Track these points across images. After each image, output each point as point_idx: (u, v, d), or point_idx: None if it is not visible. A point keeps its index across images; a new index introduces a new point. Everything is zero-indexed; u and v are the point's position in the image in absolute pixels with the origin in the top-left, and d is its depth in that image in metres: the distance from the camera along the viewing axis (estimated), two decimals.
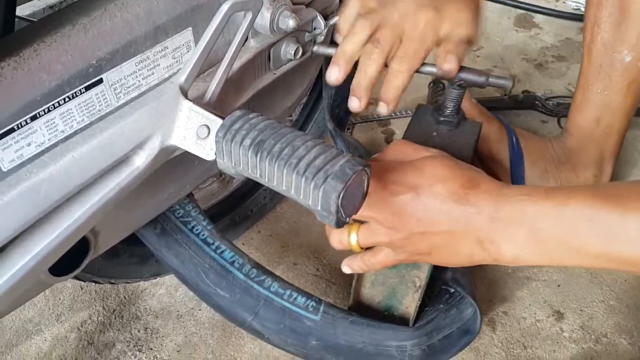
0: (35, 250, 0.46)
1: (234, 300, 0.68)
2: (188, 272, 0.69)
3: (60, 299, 0.87)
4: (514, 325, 0.88)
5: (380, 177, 0.54)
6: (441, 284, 0.79)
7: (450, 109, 0.69)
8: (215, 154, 0.48)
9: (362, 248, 0.60)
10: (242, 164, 0.47)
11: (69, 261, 0.56)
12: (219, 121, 0.48)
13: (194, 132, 0.49)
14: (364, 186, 0.46)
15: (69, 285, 0.89)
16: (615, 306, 0.90)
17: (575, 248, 0.48)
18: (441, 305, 0.76)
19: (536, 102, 1.24)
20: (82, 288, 0.89)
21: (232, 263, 0.69)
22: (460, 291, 0.76)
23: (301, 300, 0.70)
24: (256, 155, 0.45)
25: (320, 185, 0.43)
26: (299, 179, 0.44)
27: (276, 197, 0.98)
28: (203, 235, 0.70)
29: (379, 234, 0.56)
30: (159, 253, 0.70)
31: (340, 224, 0.45)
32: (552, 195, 0.50)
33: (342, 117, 0.95)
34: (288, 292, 0.70)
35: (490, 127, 0.98)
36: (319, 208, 0.44)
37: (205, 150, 0.49)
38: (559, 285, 0.94)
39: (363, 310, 0.76)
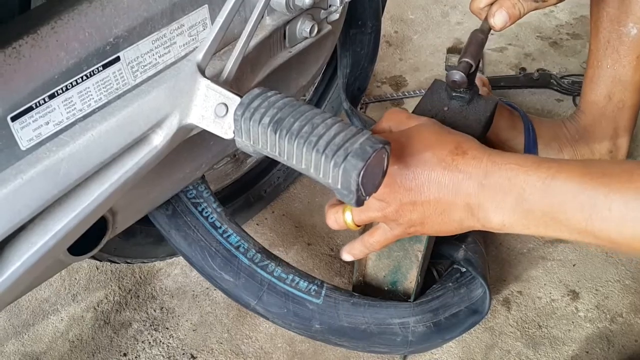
0: (55, 229, 0.46)
1: (238, 284, 0.70)
2: (195, 255, 0.69)
3: (76, 279, 0.88)
4: (529, 305, 0.88)
5: None
6: (452, 263, 0.79)
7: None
8: (234, 133, 0.48)
9: (358, 226, 0.60)
10: (261, 142, 0.46)
11: (87, 241, 0.56)
12: (237, 99, 0.47)
13: (212, 110, 0.49)
14: (384, 164, 0.45)
15: (84, 265, 0.89)
16: (630, 285, 0.90)
17: (560, 221, 0.49)
18: (450, 284, 0.76)
19: (551, 81, 1.22)
20: (97, 268, 0.89)
21: (237, 247, 0.70)
22: (471, 271, 0.76)
23: (303, 284, 0.72)
24: (275, 133, 0.45)
25: (341, 163, 0.43)
26: (319, 157, 0.43)
27: (290, 178, 0.98)
28: (212, 218, 0.70)
29: (372, 209, 0.56)
30: (167, 234, 0.70)
31: (360, 202, 0.44)
32: (543, 166, 0.50)
33: (355, 95, 0.95)
34: (291, 277, 0.71)
35: (500, 115, 0.97)
36: (339, 187, 0.44)
37: (224, 128, 0.48)
38: (574, 265, 0.93)
39: (367, 286, 0.76)
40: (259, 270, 0.70)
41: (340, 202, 0.60)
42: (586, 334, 0.85)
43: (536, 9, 0.72)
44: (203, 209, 0.70)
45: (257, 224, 0.97)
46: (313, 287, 0.71)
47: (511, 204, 0.51)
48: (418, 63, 1.30)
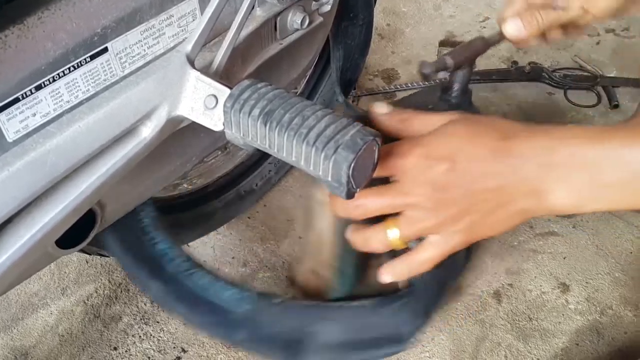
0: (43, 222, 0.45)
1: (166, 291, 0.68)
2: (128, 260, 0.67)
3: (65, 272, 0.88)
4: (520, 298, 0.89)
5: (407, 155, 0.49)
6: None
7: (454, 90, 0.66)
8: (224, 125, 0.47)
9: (405, 243, 0.53)
10: (251, 134, 0.46)
11: (76, 234, 0.55)
12: (227, 91, 0.47)
13: (202, 102, 0.48)
14: (375, 156, 0.45)
15: (74, 259, 0.89)
16: (620, 278, 0.90)
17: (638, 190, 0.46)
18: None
19: (543, 74, 1.23)
20: (87, 262, 0.89)
21: (163, 256, 0.69)
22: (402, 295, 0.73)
23: (228, 293, 0.71)
24: (265, 126, 0.45)
25: (331, 155, 0.42)
26: (309, 150, 0.43)
27: (281, 171, 0.98)
28: (145, 222, 0.68)
29: (424, 219, 0.49)
30: (106, 234, 0.66)
31: (350, 195, 0.44)
32: (609, 135, 0.46)
33: (346, 87, 0.94)
34: (216, 286, 0.70)
35: None
36: (330, 179, 0.43)
37: (213, 120, 0.48)
38: (564, 258, 0.94)
39: None
40: (184, 280, 0.69)
41: (371, 222, 0.53)
42: (576, 327, 0.85)
43: (559, 23, 0.64)
44: (140, 212, 0.67)
45: (249, 217, 0.97)
46: (238, 297, 0.71)
47: (584, 180, 0.46)
48: (410, 56, 1.30)
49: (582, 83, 1.23)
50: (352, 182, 0.43)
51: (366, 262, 0.67)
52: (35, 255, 0.48)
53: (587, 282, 0.90)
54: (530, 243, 0.96)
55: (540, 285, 0.90)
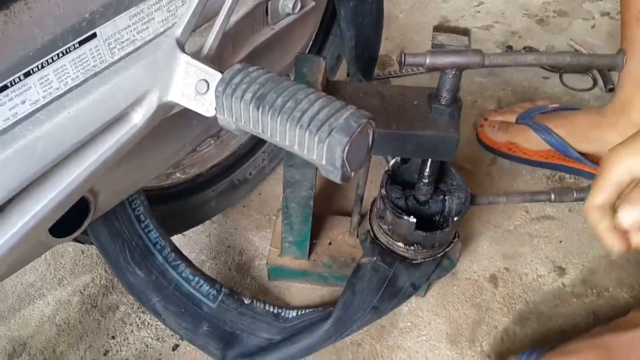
0: (35, 209, 0.45)
1: (148, 281, 0.70)
2: (113, 246, 0.67)
3: (61, 263, 0.87)
4: (516, 281, 0.89)
5: None
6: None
7: (443, 96, 0.64)
8: (216, 110, 0.47)
9: None
10: (244, 119, 0.45)
11: (70, 223, 0.55)
12: (219, 75, 0.46)
13: (193, 87, 0.48)
14: (370, 139, 0.44)
15: (69, 249, 0.89)
16: (616, 261, 0.91)
17: None
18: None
19: None
20: (83, 252, 0.88)
21: (155, 245, 0.70)
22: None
23: (206, 287, 0.74)
24: (258, 110, 0.44)
25: (325, 138, 0.42)
26: (303, 133, 0.43)
27: (275, 160, 0.97)
28: (138, 210, 0.68)
29: None
30: (94, 221, 0.64)
31: (345, 178, 0.44)
32: None
33: (367, 66, 0.92)
34: (196, 279, 0.73)
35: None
36: (324, 163, 0.43)
37: (205, 106, 0.47)
38: (560, 241, 0.94)
39: None
40: (170, 269, 0.71)
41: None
42: (573, 309, 0.86)
43: None
44: (133, 200, 0.67)
45: (244, 206, 0.96)
46: (212, 292, 0.74)
47: None
48: (404, 42, 1.29)
49: (578, 67, 1.23)
50: (347, 166, 0.43)
51: None
52: (28, 244, 0.47)
53: (583, 265, 0.91)
54: (526, 227, 0.96)
55: (537, 269, 0.90)
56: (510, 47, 1.24)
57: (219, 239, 0.92)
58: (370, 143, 0.45)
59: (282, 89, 0.44)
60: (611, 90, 1.18)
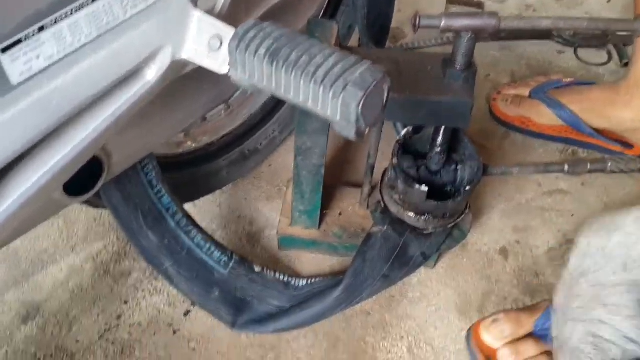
0: (50, 163, 0.45)
1: (161, 245, 0.70)
2: (126, 210, 0.67)
3: (74, 230, 0.88)
4: (527, 254, 0.88)
5: None
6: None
7: (458, 61, 0.62)
8: (229, 66, 0.46)
9: None
10: (257, 75, 0.45)
11: (84, 183, 0.56)
12: (232, 30, 0.46)
13: (206, 44, 0.47)
14: (384, 95, 0.44)
15: (82, 217, 0.89)
16: None
17: None
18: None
19: (552, 33, 1.20)
20: (95, 220, 0.89)
21: (167, 210, 0.70)
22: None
23: (217, 254, 0.74)
24: (272, 65, 0.44)
25: (340, 93, 0.42)
26: (317, 88, 0.42)
27: (286, 131, 0.97)
28: (150, 175, 0.68)
29: None
30: (108, 185, 0.65)
31: (360, 134, 0.43)
32: None
33: (379, 37, 0.92)
34: (208, 245, 0.74)
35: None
36: (339, 118, 0.43)
37: (218, 62, 0.47)
38: (572, 215, 0.93)
39: None
40: (182, 234, 0.71)
41: None
42: None
43: None
44: (145, 165, 0.67)
45: (254, 177, 0.96)
46: (224, 258, 0.75)
47: None
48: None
49: (593, 41, 1.21)
50: (362, 121, 0.42)
51: None
52: (43, 200, 0.48)
53: None
54: (538, 201, 0.95)
55: (548, 242, 0.90)
56: None
57: (229, 209, 0.92)
58: (385, 99, 0.44)
59: (297, 44, 0.44)
60: (626, 65, 1.16)
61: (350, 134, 0.43)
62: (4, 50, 0.42)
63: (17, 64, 0.43)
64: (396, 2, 1.24)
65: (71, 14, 0.45)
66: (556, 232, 0.91)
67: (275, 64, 0.44)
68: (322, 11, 0.88)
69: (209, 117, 0.87)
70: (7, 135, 0.41)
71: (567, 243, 0.90)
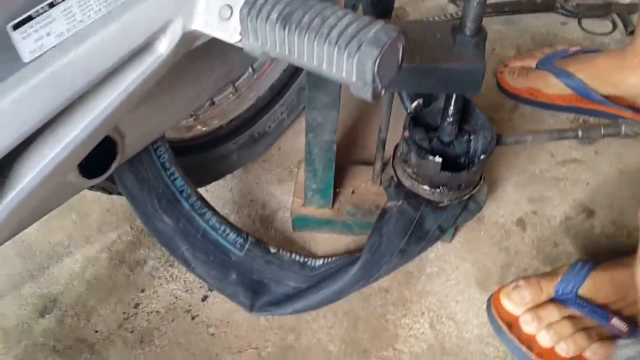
0: (65, 141, 0.45)
1: (176, 228, 0.70)
2: (140, 194, 0.67)
3: (87, 222, 0.88)
4: (544, 224, 0.88)
5: None
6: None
7: (467, 25, 0.61)
8: (240, 35, 0.46)
9: None
10: (270, 41, 0.44)
11: (99, 166, 0.55)
12: None
13: (216, 14, 0.47)
14: (399, 55, 0.43)
15: (95, 208, 0.89)
16: None
17: None
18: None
19: (555, 4, 1.19)
20: (109, 210, 0.89)
21: (181, 192, 0.70)
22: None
23: (232, 236, 0.74)
24: (284, 29, 0.43)
25: (355, 53, 0.41)
26: (331, 50, 0.42)
27: (293, 113, 0.96)
28: (163, 158, 0.68)
29: None
30: (122, 169, 0.65)
31: (376, 95, 0.43)
32: None
33: (383, 17, 0.91)
34: (223, 227, 0.73)
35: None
36: (354, 79, 0.42)
37: (229, 32, 0.46)
38: (587, 184, 0.92)
39: None
40: (197, 217, 0.71)
41: None
42: (603, 250, 0.85)
43: None
44: (157, 147, 0.67)
45: (264, 161, 0.96)
46: (239, 240, 0.74)
47: None
48: None
49: (596, 11, 1.20)
50: (378, 81, 0.42)
51: None
52: (58, 180, 0.47)
53: (611, 206, 0.89)
54: (552, 171, 0.94)
55: (565, 211, 0.89)
56: None
57: (241, 193, 0.91)
58: (400, 58, 0.44)
59: (309, 7, 0.43)
60: (632, 33, 1.15)
61: (367, 95, 0.43)
62: (15, 26, 0.41)
63: (28, 41, 0.42)
64: None
65: None
66: (572, 201, 0.90)
67: (287, 28, 0.43)
68: None
69: (218, 101, 0.86)
70: (20, 112, 0.41)
71: (584, 211, 0.89)
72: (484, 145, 0.74)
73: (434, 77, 0.64)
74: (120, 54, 0.44)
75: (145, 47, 0.46)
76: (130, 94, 0.46)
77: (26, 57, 0.43)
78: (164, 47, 0.47)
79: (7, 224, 0.47)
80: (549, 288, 0.74)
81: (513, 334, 0.74)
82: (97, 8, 0.46)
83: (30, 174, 0.45)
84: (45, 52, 0.43)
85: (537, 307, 0.73)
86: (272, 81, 0.91)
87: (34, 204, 0.47)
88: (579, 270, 0.74)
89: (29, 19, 0.42)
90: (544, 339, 0.72)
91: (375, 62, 0.41)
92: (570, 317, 0.72)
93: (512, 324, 0.74)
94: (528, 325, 0.73)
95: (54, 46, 0.44)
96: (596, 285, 0.73)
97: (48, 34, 0.44)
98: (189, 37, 0.48)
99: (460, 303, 0.80)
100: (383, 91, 0.44)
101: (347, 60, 0.42)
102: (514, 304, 0.74)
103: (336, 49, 0.42)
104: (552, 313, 0.72)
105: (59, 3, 0.44)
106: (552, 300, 0.74)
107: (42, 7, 0.43)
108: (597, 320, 0.72)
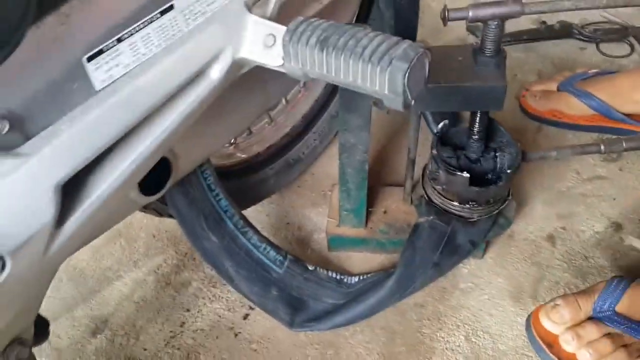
0: (129, 160, 0.50)
1: (222, 246, 0.74)
2: (189, 213, 0.71)
3: (135, 247, 0.93)
4: (574, 239, 0.90)
5: None
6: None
7: (487, 47, 0.67)
8: (283, 59, 0.51)
9: None
10: (309, 63, 0.50)
11: (155, 185, 0.61)
12: (284, 28, 0.51)
13: (261, 42, 0.52)
14: (426, 69, 0.48)
15: (142, 234, 0.94)
16: None
17: None
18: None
19: (573, 30, 1.24)
20: (154, 236, 0.94)
21: (225, 212, 0.74)
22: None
23: (272, 254, 0.78)
24: (322, 52, 0.49)
25: (387, 67, 0.46)
26: (365, 66, 0.47)
27: (325, 140, 1.02)
28: (209, 180, 0.73)
29: None
30: (173, 190, 0.69)
31: (406, 105, 0.47)
32: None
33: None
34: (263, 245, 0.77)
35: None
36: (387, 91, 0.47)
37: (273, 57, 0.52)
38: (614, 199, 0.94)
39: None
40: (240, 235, 0.75)
41: None
42: (633, 262, 0.86)
43: None
44: (204, 170, 0.72)
45: (298, 186, 1.01)
46: (279, 258, 0.78)
47: None
48: (439, 26, 1.31)
49: (613, 35, 1.24)
50: (408, 92, 0.47)
51: None
52: (121, 196, 0.53)
53: (639, 220, 0.91)
54: (578, 188, 0.97)
55: (593, 226, 0.91)
56: (544, 22, 1.26)
57: (277, 217, 0.96)
58: (427, 72, 0.49)
59: (344, 31, 0.49)
60: None
61: (399, 105, 0.47)
62: (89, 59, 0.48)
63: (100, 72, 0.48)
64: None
65: (144, 26, 0.51)
66: (600, 216, 0.92)
67: (325, 50, 0.48)
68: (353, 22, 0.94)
69: (255, 130, 0.92)
70: (94, 132, 0.47)
71: (612, 226, 0.91)
72: (510, 161, 0.77)
73: (459, 96, 0.69)
74: (180, 80, 0.50)
75: (199, 74, 0.52)
76: (186, 116, 0.52)
77: (98, 85, 0.49)
78: (216, 73, 0.53)
79: (74, 238, 0.53)
80: (587, 306, 0.74)
81: (553, 353, 0.75)
82: (157, 42, 0.52)
83: (98, 189, 0.50)
84: (114, 81, 0.50)
85: (576, 325, 0.74)
86: (304, 111, 0.97)
87: (98, 219, 0.53)
88: (615, 287, 0.75)
89: (100, 52, 0.49)
90: (585, 358, 0.72)
91: (405, 75, 0.46)
92: (609, 335, 0.73)
93: (552, 343, 0.75)
94: (569, 345, 0.73)
95: (122, 75, 0.50)
96: (633, 301, 0.74)
97: (117, 65, 0.50)
98: (237, 64, 0.54)
99: (495, 316, 0.82)
100: (412, 102, 0.48)
101: (379, 75, 0.47)
102: (553, 323, 0.75)
103: (370, 65, 0.47)
104: (592, 331, 0.73)
105: (126, 38, 0.50)
106: (590, 319, 0.74)
107: (111, 42, 0.49)
108: (635, 336, 0.72)
